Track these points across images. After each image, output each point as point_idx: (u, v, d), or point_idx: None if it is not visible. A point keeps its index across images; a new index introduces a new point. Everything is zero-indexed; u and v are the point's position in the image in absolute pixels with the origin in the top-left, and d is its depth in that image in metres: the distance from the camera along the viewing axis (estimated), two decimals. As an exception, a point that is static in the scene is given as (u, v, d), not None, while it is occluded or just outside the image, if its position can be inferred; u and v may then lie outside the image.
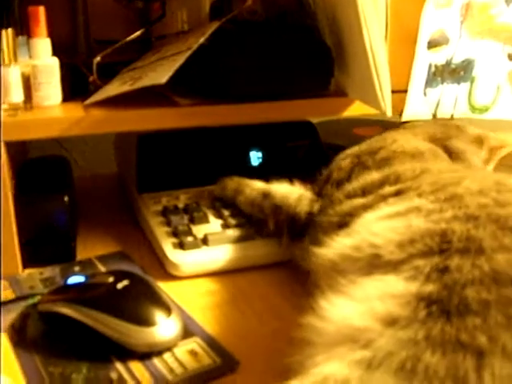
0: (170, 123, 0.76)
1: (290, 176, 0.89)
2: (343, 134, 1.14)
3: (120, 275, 0.63)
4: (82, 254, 0.80)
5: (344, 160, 0.73)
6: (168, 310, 0.61)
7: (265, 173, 0.92)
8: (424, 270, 0.46)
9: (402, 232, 0.52)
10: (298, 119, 0.87)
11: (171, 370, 0.57)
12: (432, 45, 0.83)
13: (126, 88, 0.72)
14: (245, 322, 0.66)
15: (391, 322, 0.43)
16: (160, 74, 0.69)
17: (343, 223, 0.63)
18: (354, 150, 0.75)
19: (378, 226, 0.56)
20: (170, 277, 0.74)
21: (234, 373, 0.57)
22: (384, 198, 0.61)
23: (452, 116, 0.88)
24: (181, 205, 0.84)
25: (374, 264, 0.52)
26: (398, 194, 0.61)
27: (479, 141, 0.78)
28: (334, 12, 0.76)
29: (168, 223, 0.80)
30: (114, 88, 0.75)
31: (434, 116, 0.87)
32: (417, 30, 0.81)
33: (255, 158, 0.94)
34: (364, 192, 0.65)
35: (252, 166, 0.94)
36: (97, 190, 1.04)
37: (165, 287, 0.71)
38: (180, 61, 0.69)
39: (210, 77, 0.76)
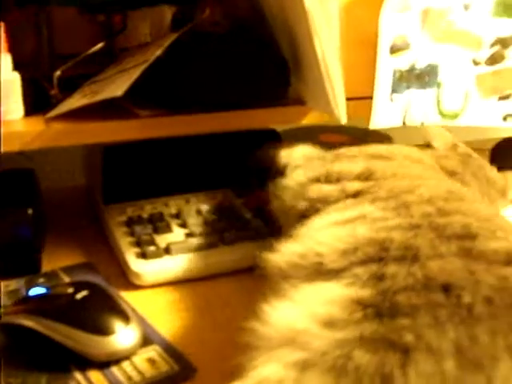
0: (130, 135, 0.77)
1: (255, 182, 0.91)
2: (310, 141, 1.15)
3: (79, 286, 0.64)
4: (48, 265, 0.80)
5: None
6: (127, 318, 0.62)
7: (231, 181, 0.94)
8: (362, 278, 0.49)
9: (345, 241, 0.54)
10: (257, 128, 0.88)
11: (129, 378, 0.58)
12: (393, 50, 0.84)
13: (85, 101, 0.73)
14: (205, 329, 0.67)
15: (329, 324, 0.45)
16: (117, 86, 0.70)
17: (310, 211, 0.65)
18: None
19: (325, 234, 0.58)
20: (133, 286, 0.75)
21: (191, 379, 0.58)
22: (345, 195, 0.64)
23: (422, 124, 0.90)
24: (145, 215, 0.85)
25: (317, 271, 0.54)
26: (355, 195, 0.64)
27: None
28: (290, 24, 0.77)
29: (132, 233, 0.81)
30: (74, 101, 0.76)
31: (404, 124, 0.89)
32: (375, 35, 0.82)
33: (220, 166, 0.95)
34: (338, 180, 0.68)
35: (216, 174, 0.95)
36: (65, 201, 1.04)
37: (128, 297, 0.72)
38: (137, 73, 0.70)
39: (168, 88, 0.77)
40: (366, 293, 0.47)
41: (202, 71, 0.78)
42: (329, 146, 1.12)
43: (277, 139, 1.00)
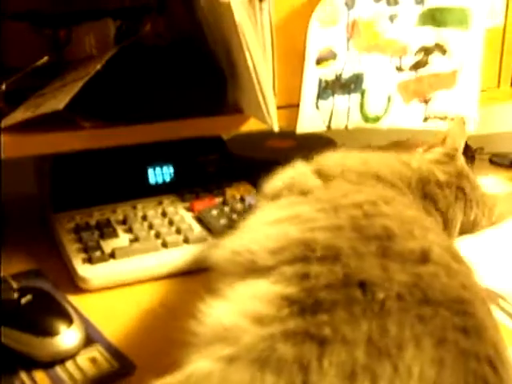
0: (75, 146, 0.80)
1: (201, 188, 0.95)
2: (257, 147, 1.19)
3: (24, 291, 0.67)
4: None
5: None
6: (70, 320, 0.66)
7: (177, 186, 0.98)
8: (288, 276, 0.52)
9: (276, 239, 0.58)
10: (196, 136, 0.91)
11: (71, 377, 0.61)
12: (320, 61, 0.89)
13: (28, 114, 0.76)
14: (147, 329, 0.70)
15: (258, 320, 0.48)
16: (58, 100, 0.74)
17: None
18: None
19: (259, 233, 0.62)
20: (79, 290, 0.78)
21: (130, 376, 0.62)
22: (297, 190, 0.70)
23: (346, 127, 0.94)
24: (93, 222, 0.88)
25: (250, 269, 0.58)
26: (305, 193, 0.69)
27: None
28: (226, 37, 0.81)
29: (79, 240, 0.84)
30: (18, 115, 0.79)
31: (329, 128, 0.93)
32: (304, 47, 0.87)
33: (167, 173, 0.99)
34: None
35: (164, 181, 0.99)
36: (18, 210, 1.06)
37: (75, 300, 0.76)
38: (77, 87, 0.73)
39: (110, 100, 0.81)
40: (291, 290, 0.50)
41: (143, 82, 0.82)
42: (277, 151, 1.18)
43: (221, 145, 1.04)
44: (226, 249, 0.63)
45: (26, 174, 1.14)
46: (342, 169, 0.73)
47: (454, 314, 0.47)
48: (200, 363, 0.46)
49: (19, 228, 0.98)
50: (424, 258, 0.52)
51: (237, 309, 0.51)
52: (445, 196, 0.79)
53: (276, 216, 0.64)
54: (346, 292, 0.48)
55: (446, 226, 0.79)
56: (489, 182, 1.15)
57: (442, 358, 0.43)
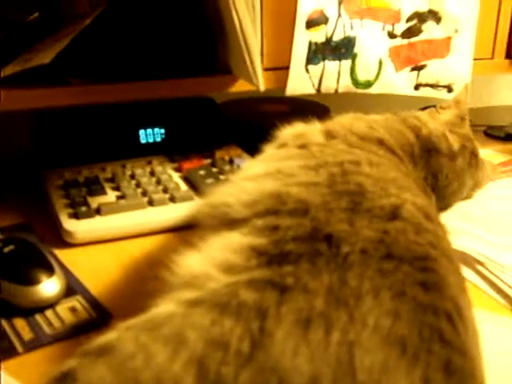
0: (62, 101, 0.81)
1: (191, 149, 0.96)
2: (250, 112, 1.20)
3: (7, 241, 0.69)
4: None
5: None
6: (51, 270, 0.67)
7: (167, 147, 0.99)
8: (259, 228, 0.53)
9: (251, 193, 0.59)
10: (186, 96, 0.92)
11: (50, 324, 0.63)
12: (312, 24, 0.89)
13: (17, 69, 0.77)
14: (127, 282, 0.72)
15: (227, 269, 0.49)
16: (46, 55, 0.74)
17: None
18: None
19: (238, 187, 0.63)
20: (65, 244, 0.79)
21: (106, 325, 0.63)
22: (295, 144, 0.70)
23: (336, 91, 0.95)
24: (81, 179, 0.89)
25: (224, 222, 0.59)
26: (302, 147, 0.69)
27: None
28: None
29: (67, 196, 0.85)
30: (9, 69, 0.80)
31: (318, 91, 0.94)
32: (295, 9, 0.87)
33: (158, 133, 1.00)
34: None
35: (155, 142, 1.00)
36: (13, 166, 1.07)
37: (60, 254, 0.77)
38: (65, 42, 0.74)
39: (97, 57, 0.81)
40: (261, 241, 0.51)
41: (132, 41, 0.82)
42: (269, 116, 1.18)
43: (214, 108, 1.04)
44: (205, 203, 0.65)
45: (21, 132, 1.15)
46: (346, 131, 0.72)
47: (416, 270, 0.47)
48: (164, 306, 0.47)
49: (12, 184, 0.99)
50: (394, 214, 0.53)
51: (207, 259, 0.52)
52: (454, 168, 0.80)
53: (258, 170, 0.65)
54: (312, 245, 0.49)
55: (445, 195, 0.80)
56: (484, 154, 1.16)
57: (399, 310, 0.43)
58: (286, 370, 0.39)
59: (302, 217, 0.52)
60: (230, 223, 0.57)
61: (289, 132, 0.75)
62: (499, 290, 0.69)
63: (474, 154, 0.83)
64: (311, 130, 0.73)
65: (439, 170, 0.78)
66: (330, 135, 0.71)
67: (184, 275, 0.52)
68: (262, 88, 0.79)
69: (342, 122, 0.76)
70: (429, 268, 0.48)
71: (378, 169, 0.63)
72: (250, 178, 0.64)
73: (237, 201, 0.59)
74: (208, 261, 0.52)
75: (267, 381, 0.39)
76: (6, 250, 0.67)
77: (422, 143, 0.78)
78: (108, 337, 0.44)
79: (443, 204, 0.80)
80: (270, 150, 0.72)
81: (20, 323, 0.63)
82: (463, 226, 0.81)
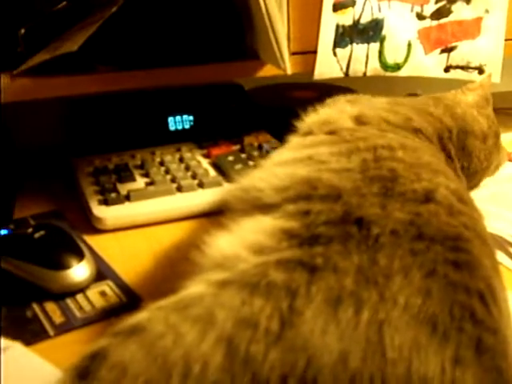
0: (90, 88, 0.82)
1: (220, 136, 0.96)
2: (278, 98, 1.20)
3: (38, 227, 0.70)
4: (20, 213, 0.86)
5: None
6: (81, 255, 0.68)
7: (196, 134, 0.99)
8: (290, 213, 0.53)
9: (283, 178, 0.59)
10: (214, 82, 0.92)
11: (80, 308, 0.64)
12: (339, 7, 0.88)
13: (46, 56, 0.78)
14: (157, 267, 0.72)
15: (257, 251, 0.50)
16: (73, 42, 0.75)
17: None
18: None
19: (269, 172, 0.63)
20: (95, 230, 0.80)
21: (136, 309, 0.63)
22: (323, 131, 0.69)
23: (364, 74, 0.94)
24: (111, 166, 0.90)
25: (256, 206, 0.59)
26: (332, 133, 0.68)
27: None
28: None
29: (97, 182, 0.86)
30: (38, 58, 0.81)
31: (346, 74, 0.93)
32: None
33: (187, 120, 1.00)
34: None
35: (184, 129, 1.00)
36: (43, 154, 1.09)
37: (90, 240, 0.78)
38: (92, 29, 0.74)
39: (124, 44, 0.82)
40: (292, 225, 0.51)
41: (159, 27, 0.83)
42: (298, 102, 1.17)
43: (242, 94, 1.04)
44: (237, 187, 0.65)
45: (52, 120, 1.16)
46: (379, 119, 0.71)
47: (448, 249, 0.47)
48: (193, 287, 0.47)
49: (43, 172, 1.00)
50: (427, 198, 0.52)
51: (238, 240, 0.52)
52: (485, 149, 0.79)
53: (289, 156, 0.65)
54: (343, 228, 0.49)
55: (475, 176, 0.79)
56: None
57: (430, 289, 0.43)
58: (315, 348, 0.39)
59: (334, 202, 0.52)
60: (261, 207, 0.58)
61: (313, 119, 0.74)
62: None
63: (497, 136, 0.82)
64: (339, 115, 0.72)
65: (473, 151, 0.77)
66: (360, 121, 0.70)
67: (214, 256, 0.53)
68: (290, 72, 0.79)
69: (375, 109, 0.75)
70: (461, 248, 0.48)
71: (411, 153, 0.62)
72: (281, 163, 0.64)
73: (268, 186, 0.59)
74: (239, 242, 0.52)
75: (296, 359, 0.39)
76: (37, 235, 0.68)
77: (457, 124, 0.76)
78: (139, 317, 0.44)
79: (472, 184, 0.79)
80: (295, 139, 0.72)
81: (51, 307, 0.64)
82: (491, 208, 0.79)
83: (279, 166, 0.64)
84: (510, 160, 0.95)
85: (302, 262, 0.45)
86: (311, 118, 0.75)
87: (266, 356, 0.39)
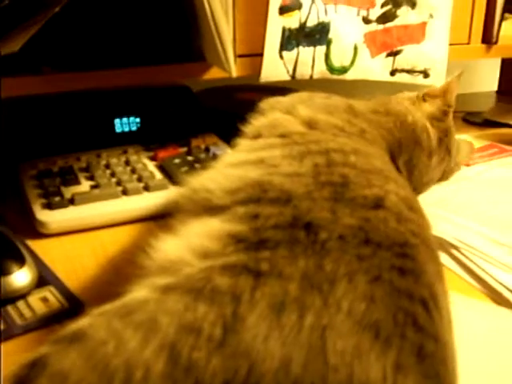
0: (33, 89, 0.80)
1: (166, 138, 0.95)
2: (226, 100, 1.19)
3: (-23, 232, 0.68)
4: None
5: None
6: (22, 261, 0.66)
7: (143, 136, 0.98)
8: (239, 215, 0.53)
9: (234, 180, 0.59)
10: (160, 83, 0.92)
11: (21, 315, 0.62)
12: (285, 10, 0.88)
13: (-14, 57, 0.76)
14: (101, 272, 0.71)
15: (203, 255, 0.49)
16: (16, 42, 0.73)
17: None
18: None
19: (220, 173, 0.62)
20: (38, 235, 0.79)
21: (78, 315, 0.62)
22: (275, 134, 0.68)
23: (311, 77, 0.94)
24: (55, 169, 0.89)
25: (205, 207, 0.58)
26: (283, 136, 0.68)
27: None
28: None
29: (41, 186, 0.84)
30: (-22, 58, 0.79)
31: (293, 77, 0.93)
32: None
33: (134, 122, 0.99)
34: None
35: (131, 131, 0.99)
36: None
37: (33, 244, 0.76)
38: (33, 30, 0.73)
39: (67, 45, 0.80)
40: (240, 228, 0.51)
41: (104, 27, 0.81)
42: (245, 104, 1.17)
43: (190, 96, 1.04)
44: (186, 187, 0.64)
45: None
46: (332, 126, 0.71)
47: (394, 256, 0.48)
48: (138, 292, 0.47)
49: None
50: (376, 204, 0.53)
51: (184, 244, 0.52)
52: (428, 165, 0.79)
53: (241, 159, 0.65)
54: (291, 232, 0.49)
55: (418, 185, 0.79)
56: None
57: (374, 294, 0.44)
58: (257, 354, 0.39)
59: (284, 206, 0.52)
60: (210, 209, 0.57)
61: (262, 122, 0.74)
62: (472, 274, 0.70)
63: (448, 150, 0.82)
64: (286, 117, 0.72)
65: (417, 164, 0.78)
66: (311, 126, 0.70)
67: (160, 260, 0.52)
68: (235, 74, 0.78)
69: (328, 111, 0.75)
70: (407, 254, 0.48)
71: (363, 158, 0.62)
72: (232, 165, 0.64)
73: (218, 187, 0.59)
74: (185, 246, 0.52)
75: (238, 365, 0.39)
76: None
77: (405, 132, 0.77)
78: (80, 323, 0.44)
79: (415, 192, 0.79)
80: (245, 142, 0.71)
81: (-10, 314, 0.62)
82: (438, 212, 0.81)
83: (230, 168, 0.63)
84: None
85: (247, 267, 0.45)
86: (260, 121, 0.74)
87: (208, 363, 0.39)
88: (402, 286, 0.45)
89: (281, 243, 0.48)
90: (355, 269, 0.45)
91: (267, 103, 0.78)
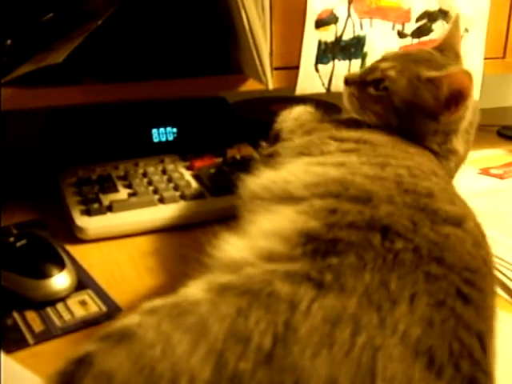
0: (75, 99, 0.83)
1: (203, 148, 0.97)
2: (261, 112, 1.21)
3: (20, 236, 0.70)
4: (2, 222, 0.86)
5: None
6: (62, 265, 0.68)
7: (180, 146, 1.00)
8: (316, 208, 0.52)
9: (314, 176, 0.58)
10: (197, 95, 0.93)
11: (60, 317, 0.64)
12: (321, 24, 0.90)
13: (31, 67, 0.78)
14: (137, 278, 0.73)
15: (268, 257, 0.49)
16: (59, 54, 0.76)
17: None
18: None
19: (299, 169, 0.61)
20: (77, 240, 0.81)
21: (115, 318, 0.64)
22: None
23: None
24: (94, 176, 0.91)
25: (281, 197, 0.58)
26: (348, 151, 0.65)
27: None
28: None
29: (80, 193, 0.86)
30: (23, 68, 0.82)
31: (328, 90, 0.94)
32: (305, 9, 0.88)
33: (171, 132, 1.01)
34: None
35: (168, 141, 1.01)
36: (29, 165, 1.09)
37: (71, 249, 0.79)
38: (77, 42, 0.75)
39: (109, 57, 0.83)
40: (314, 224, 0.50)
41: (144, 39, 0.84)
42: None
43: (226, 107, 1.05)
44: (263, 178, 0.63)
45: (37, 131, 1.16)
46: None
47: (462, 281, 0.46)
48: (192, 289, 0.46)
49: (27, 182, 1.01)
50: (458, 222, 0.52)
51: (250, 245, 0.51)
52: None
53: (320, 160, 0.63)
54: (366, 234, 0.48)
55: None
56: (496, 154, 1.16)
57: (433, 320, 0.43)
58: (303, 370, 0.38)
59: (363, 205, 0.51)
60: (286, 199, 0.57)
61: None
62: (505, 287, 0.70)
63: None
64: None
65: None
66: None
67: (222, 259, 0.52)
68: (271, 87, 0.80)
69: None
70: (475, 283, 0.47)
71: (442, 181, 0.61)
72: (312, 163, 0.62)
73: (298, 180, 0.58)
74: (250, 247, 0.51)
75: (283, 380, 0.38)
76: (19, 244, 0.69)
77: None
78: (129, 321, 0.43)
79: None
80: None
81: (31, 316, 0.65)
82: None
83: (309, 166, 0.62)
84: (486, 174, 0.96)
85: (310, 276, 0.45)
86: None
87: (253, 374, 0.38)
88: (464, 315, 0.44)
89: (352, 246, 0.47)
90: (420, 290, 0.44)
91: None
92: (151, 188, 0.88)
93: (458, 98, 0.67)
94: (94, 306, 0.66)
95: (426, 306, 0.43)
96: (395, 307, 0.43)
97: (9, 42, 0.85)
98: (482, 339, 0.44)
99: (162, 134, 1.01)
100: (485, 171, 1.06)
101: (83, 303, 0.67)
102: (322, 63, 0.92)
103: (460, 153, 0.72)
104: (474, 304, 0.45)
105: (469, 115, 0.71)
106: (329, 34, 0.91)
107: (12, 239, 0.70)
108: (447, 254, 0.47)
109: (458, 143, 0.71)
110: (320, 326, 0.41)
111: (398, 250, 0.47)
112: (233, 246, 0.52)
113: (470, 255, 0.49)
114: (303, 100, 1.14)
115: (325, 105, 1.16)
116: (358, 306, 0.42)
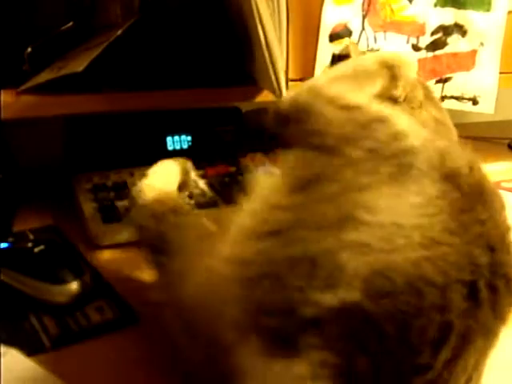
0: (93, 108, 0.84)
1: (216, 157, 0.98)
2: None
3: (38, 241, 0.71)
4: (19, 227, 0.87)
5: None
6: (79, 270, 0.70)
7: (194, 154, 1.01)
8: None
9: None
10: (211, 105, 0.95)
11: (76, 322, 0.65)
12: (335, 37, 0.91)
13: (51, 76, 0.80)
14: (153, 284, 0.74)
15: None
16: (79, 63, 0.77)
17: None
18: None
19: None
20: (94, 246, 0.82)
21: (133, 325, 0.65)
22: None
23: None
24: (110, 183, 0.92)
25: None
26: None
27: None
28: (243, 10, 0.83)
29: (95, 199, 0.88)
30: (43, 76, 0.83)
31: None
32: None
33: (185, 140, 1.03)
34: None
35: (182, 148, 1.02)
36: (45, 171, 1.10)
37: (88, 256, 0.79)
38: (97, 51, 0.77)
39: (127, 66, 0.84)
40: None
41: (161, 50, 0.85)
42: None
43: (239, 116, 1.07)
44: None
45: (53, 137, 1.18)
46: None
47: None
48: None
49: (43, 188, 1.02)
50: None
51: None
52: None
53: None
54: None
55: None
56: (507, 167, 1.17)
57: None
58: None
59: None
60: None
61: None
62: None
63: None
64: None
65: None
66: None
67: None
68: (285, 98, 0.81)
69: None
70: None
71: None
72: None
73: None
74: None
75: None
76: (37, 249, 0.70)
77: None
78: None
79: None
80: None
81: (48, 320, 0.66)
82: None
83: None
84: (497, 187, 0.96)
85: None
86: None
87: None
88: None
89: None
90: None
91: None
92: (169, 194, 0.89)
93: None
94: (110, 313, 0.68)
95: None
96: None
97: (29, 50, 0.86)
98: None
99: (177, 142, 1.02)
100: (496, 185, 1.06)
101: (100, 309, 0.68)
102: (336, 75, 0.93)
103: None
104: None
105: None
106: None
107: (30, 244, 0.71)
108: None
109: None
110: None
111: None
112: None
113: None
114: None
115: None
116: None
